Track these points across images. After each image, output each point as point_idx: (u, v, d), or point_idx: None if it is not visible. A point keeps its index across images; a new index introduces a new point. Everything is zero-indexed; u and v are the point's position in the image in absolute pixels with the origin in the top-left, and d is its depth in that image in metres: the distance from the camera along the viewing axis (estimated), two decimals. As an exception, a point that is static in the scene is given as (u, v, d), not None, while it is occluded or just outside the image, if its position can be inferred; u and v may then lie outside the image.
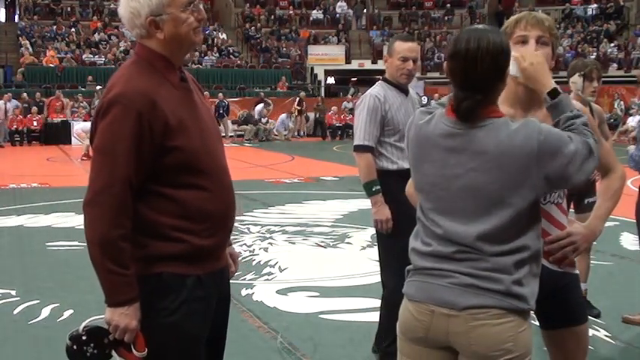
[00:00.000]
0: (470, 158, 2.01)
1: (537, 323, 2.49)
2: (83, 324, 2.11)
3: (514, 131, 1.98)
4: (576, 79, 4.62)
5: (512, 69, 2.17)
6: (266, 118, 24.60)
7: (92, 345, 2.09)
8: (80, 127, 20.01)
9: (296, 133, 25.63)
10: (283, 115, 24.99)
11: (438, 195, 2.08)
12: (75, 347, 2.09)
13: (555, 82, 2.24)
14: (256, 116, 24.71)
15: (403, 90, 3.99)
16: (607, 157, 2.42)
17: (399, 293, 2.24)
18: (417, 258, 2.13)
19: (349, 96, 27.82)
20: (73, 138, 20.75)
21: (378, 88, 3.97)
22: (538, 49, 2.30)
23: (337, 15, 34.10)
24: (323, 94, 30.17)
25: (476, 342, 2.01)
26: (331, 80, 33.07)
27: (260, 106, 24.98)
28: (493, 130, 1.99)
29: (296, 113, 25.59)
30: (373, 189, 3.86)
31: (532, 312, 2.13)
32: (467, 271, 2.02)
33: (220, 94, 23.64)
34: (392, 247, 3.86)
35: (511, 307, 2.01)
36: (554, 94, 2.19)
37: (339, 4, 34.04)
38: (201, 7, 2.18)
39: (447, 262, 2.05)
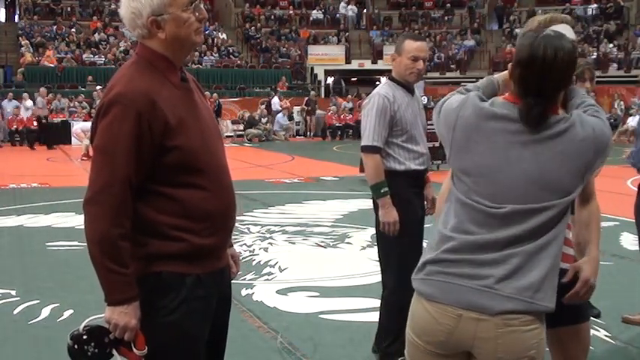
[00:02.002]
0: (535, 145, 1.99)
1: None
2: (84, 323, 2.12)
3: (573, 122, 2.01)
4: None
5: None
6: (266, 118, 24.61)
7: (93, 344, 2.09)
8: (80, 126, 20.04)
9: (309, 133, 25.63)
10: (280, 115, 25.01)
11: (493, 177, 2.02)
12: (76, 347, 2.09)
13: None
14: (273, 108, 24.79)
15: (410, 90, 3.94)
16: (592, 184, 2.50)
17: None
18: (451, 244, 2.02)
19: (347, 97, 27.85)
20: (72, 138, 20.73)
21: (386, 88, 3.90)
22: None
23: (337, 15, 34.11)
24: (323, 94, 30.20)
25: (503, 348, 1.97)
26: (330, 80, 33.06)
27: (275, 98, 25.07)
28: (557, 122, 2.01)
29: (305, 114, 25.66)
30: (382, 190, 3.79)
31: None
32: (504, 270, 1.95)
33: (215, 95, 23.58)
34: (394, 247, 3.85)
35: (541, 308, 1.98)
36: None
37: (342, 4, 33.99)
38: (202, 6, 2.19)
39: (488, 253, 1.97)
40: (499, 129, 2.02)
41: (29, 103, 21.76)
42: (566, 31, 2.37)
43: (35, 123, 21.20)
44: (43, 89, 21.90)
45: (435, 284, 2.03)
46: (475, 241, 1.99)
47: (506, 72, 2.23)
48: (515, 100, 2.04)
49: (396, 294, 3.76)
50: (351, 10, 34.05)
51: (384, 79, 4.06)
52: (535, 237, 1.98)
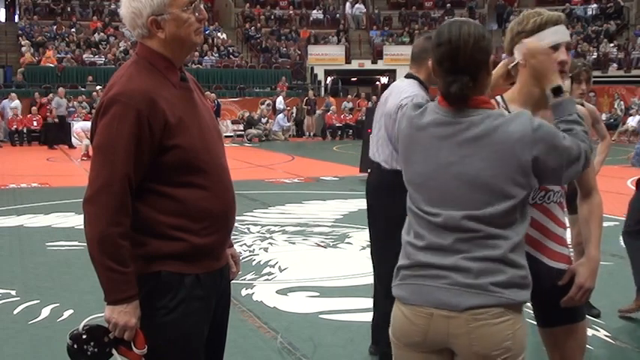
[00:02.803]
0: (463, 146, 2.01)
1: (535, 322, 2.50)
2: (83, 322, 2.11)
3: (509, 119, 2.00)
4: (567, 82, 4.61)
5: (517, 55, 2.29)
6: (266, 118, 24.62)
7: (92, 343, 2.09)
8: (80, 125, 20.01)
9: (308, 133, 25.68)
10: (280, 116, 25.02)
11: (430, 185, 2.07)
12: (75, 346, 2.09)
13: None
14: (278, 106, 24.80)
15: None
16: (592, 178, 2.46)
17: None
18: (412, 251, 2.10)
19: (347, 96, 27.84)
20: (73, 139, 20.71)
21: (418, 90, 3.70)
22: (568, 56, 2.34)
23: (337, 15, 34.11)
24: (323, 93, 30.20)
25: (477, 342, 2.00)
26: (329, 81, 33.06)
27: (280, 98, 25.07)
28: (487, 118, 2.00)
29: (305, 113, 25.66)
30: None
31: (530, 312, 2.13)
32: (465, 265, 1.99)
33: (213, 94, 23.58)
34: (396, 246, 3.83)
35: (510, 302, 1.99)
36: (557, 91, 2.22)
37: (348, 4, 33.96)
38: (202, 7, 2.20)
39: (442, 256, 2.02)
40: (429, 136, 2.07)
41: (16, 103, 21.71)
42: (562, 33, 2.36)
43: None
44: (61, 89, 21.70)
45: (407, 287, 2.10)
46: (431, 246, 2.04)
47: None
48: (441, 102, 2.07)
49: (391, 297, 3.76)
50: (358, 10, 34.02)
51: (409, 81, 3.82)
52: (483, 237, 1.99)
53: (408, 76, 3.88)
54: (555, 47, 2.31)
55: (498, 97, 2.43)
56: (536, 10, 2.40)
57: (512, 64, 2.40)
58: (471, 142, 2.00)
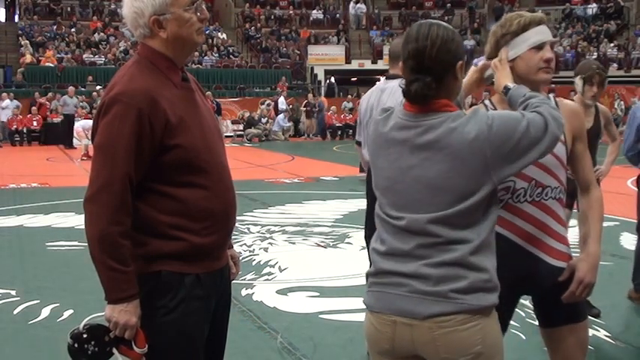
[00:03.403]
0: (423, 149, 2.00)
1: (537, 323, 2.49)
2: (84, 322, 2.11)
3: (465, 120, 1.98)
4: (578, 81, 4.60)
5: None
6: (266, 118, 24.63)
7: (93, 343, 2.09)
8: (80, 124, 19.99)
9: (308, 134, 25.68)
10: (280, 116, 25.03)
11: (393, 189, 2.06)
12: (76, 345, 2.09)
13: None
14: (280, 107, 24.80)
15: None
16: (589, 172, 2.45)
17: None
18: (377, 259, 2.08)
19: (348, 96, 27.84)
20: (74, 139, 20.68)
21: None
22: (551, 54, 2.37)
23: (337, 15, 34.12)
24: (323, 93, 30.20)
25: (444, 350, 1.97)
26: (331, 80, 33.06)
27: (282, 98, 25.07)
28: (445, 121, 1.99)
29: (304, 114, 25.68)
30: None
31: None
32: (426, 272, 1.96)
33: (208, 93, 23.61)
34: None
35: (474, 308, 1.95)
36: (507, 89, 2.27)
37: (352, 4, 33.99)
38: (204, 7, 2.20)
39: (404, 262, 1.99)
40: (391, 139, 2.06)
41: (6, 102, 21.71)
42: (545, 32, 2.37)
43: (35, 123, 21.15)
44: (71, 88, 21.66)
45: (372, 295, 2.09)
46: (393, 252, 2.03)
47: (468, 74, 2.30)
48: (405, 107, 2.07)
49: None
50: (359, 10, 34.03)
51: (399, 80, 4.02)
52: (441, 239, 1.97)
53: (392, 77, 4.02)
54: (540, 46, 2.34)
55: (487, 101, 2.45)
56: (517, 13, 2.44)
57: (488, 73, 2.46)
58: (429, 145, 1.99)
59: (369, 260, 2.20)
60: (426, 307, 1.96)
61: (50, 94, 22.64)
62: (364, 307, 2.15)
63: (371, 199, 4.15)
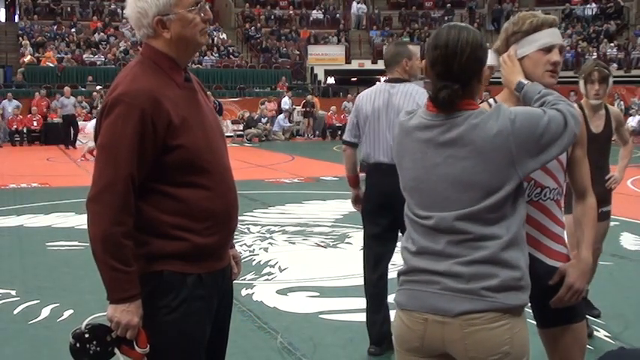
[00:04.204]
0: (447, 146, 2.02)
1: (534, 322, 2.49)
2: (85, 322, 2.12)
3: (487, 116, 2.00)
4: (580, 83, 4.50)
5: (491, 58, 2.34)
6: (266, 118, 24.62)
7: (95, 342, 2.09)
8: (91, 125, 19.96)
9: (309, 134, 25.67)
10: (281, 116, 25.02)
11: (420, 188, 2.08)
12: (78, 345, 2.09)
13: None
14: (283, 106, 24.78)
15: None
16: (586, 179, 2.45)
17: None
18: (408, 257, 2.11)
19: (348, 96, 27.81)
20: (78, 140, 20.64)
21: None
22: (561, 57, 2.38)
23: (338, 15, 34.12)
24: (322, 94, 30.21)
25: (473, 348, 1.99)
26: (331, 80, 33.06)
27: (285, 98, 25.04)
28: (468, 118, 2.01)
29: (303, 115, 25.69)
30: None
31: (529, 311, 2.12)
32: (458, 270, 1.98)
33: (209, 93, 23.67)
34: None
35: (505, 307, 1.98)
36: (519, 86, 2.28)
37: (354, 4, 33.98)
38: (207, 7, 2.20)
39: (436, 261, 2.02)
40: (416, 139, 2.08)
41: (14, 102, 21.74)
42: (556, 35, 2.38)
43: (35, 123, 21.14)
44: (67, 89, 21.58)
45: (404, 293, 2.11)
46: (423, 250, 2.05)
47: None
48: (430, 103, 2.08)
49: None
50: (360, 10, 34.02)
51: (414, 84, 4.25)
52: (471, 235, 1.99)
53: (395, 80, 4.19)
54: (549, 49, 2.35)
55: (491, 100, 2.46)
56: (531, 12, 2.44)
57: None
58: (452, 142, 2.01)
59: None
60: (457, 304, 1.98)
61: (42, 92, 22.62)
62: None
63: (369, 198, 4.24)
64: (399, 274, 2.14)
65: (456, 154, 2.01)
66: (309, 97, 26.37)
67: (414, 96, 4.08)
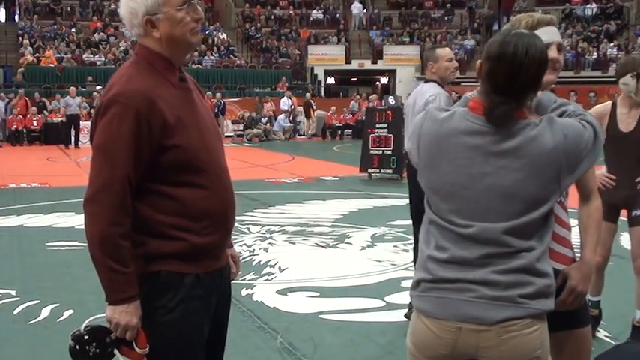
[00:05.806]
0: (500, 156, 1.97)
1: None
2: (85, 323, 2.11)
3: (542, 128, 1.97)
4: (628, 80, 4.09)
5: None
6: (266, 118, 24.62)
7: (94, 344, 2.09)
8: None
9: (307, 134, 25.68)
10: (281, 116, 25.03)
11: (460, 195, 2.01)
12: (77, 347, 2.09)
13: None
14: (282, 107, 24.80)
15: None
16: (592, 181, 2.44)
17: None
18: (435, 266, 2.03)
19: (353, 96, 27.80)
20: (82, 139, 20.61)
21: (439, 89, 4.63)
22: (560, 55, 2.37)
23: (338, 15, 34.11)
24: (323, 93, 30.20)
25: (508, 354, 1.98)
26: (331, 80, 33.07)
27: (285, 98, 25.06)
28: (524, 129, 1.97)
29: (303, 115, 25.70)
30: None
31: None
32: (495, 278, 1.96)
33: (218, 94, 23.73)
34: None
35: (538, 312, 1.98)
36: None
37: (354, 4, 33.98)
38: (198, 6, 2.19)
39: (469, 270, 1.98)
40: (462, 144, 2.00)
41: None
42: (553, 33, 2.38)
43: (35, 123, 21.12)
44: (72, 88, 21.53)
45: (431, 300, 2.04)
46: (455, 260, 2.00)
47: None
48: (478, 107, 2.01)
49: None
50: (357, 9, 33.99)
51: (429, 84, 4.74)
52: (512, 249, 1.97)
53: (423, 79, 4.82)
54: (546, 47, 2.33)
55: (468, 93, 2.44)
56: (528, 14, 2.45)
57: None
58: (507, 153, 1.96)
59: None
60: (495, 312, 1.96)
61: (36, 94, 22.67)
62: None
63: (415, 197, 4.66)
64: (421, 281, 2.07)
65: (509, 166, 1.96)
66: (307, 94, 26.38)
67: (422, 93, 4.62)
